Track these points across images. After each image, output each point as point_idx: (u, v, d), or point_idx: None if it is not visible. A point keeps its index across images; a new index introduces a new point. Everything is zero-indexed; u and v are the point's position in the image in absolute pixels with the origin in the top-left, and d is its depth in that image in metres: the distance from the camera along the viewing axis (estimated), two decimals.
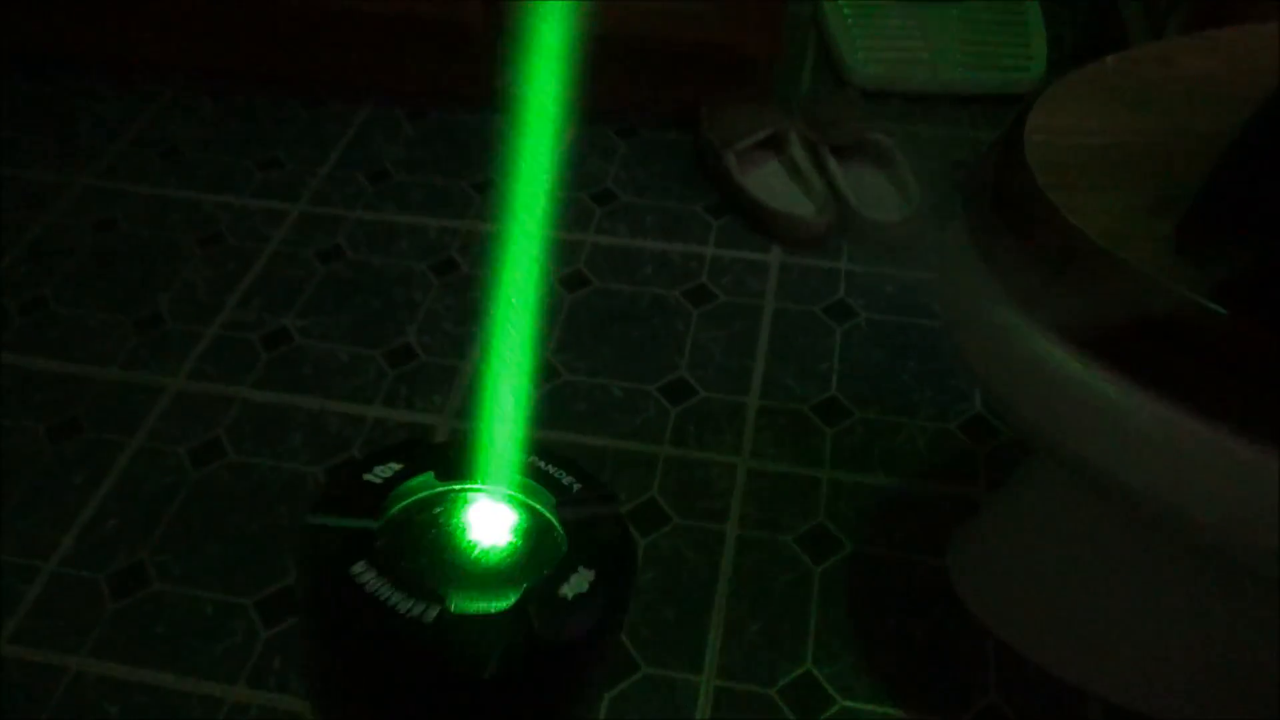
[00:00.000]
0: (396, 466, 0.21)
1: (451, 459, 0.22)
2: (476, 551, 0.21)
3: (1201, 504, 0.56)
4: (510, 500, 0.22)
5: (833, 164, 1.16)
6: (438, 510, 0.21)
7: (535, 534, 0.21)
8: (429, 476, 0.21)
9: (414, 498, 0.21)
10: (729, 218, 1.17)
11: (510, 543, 0.21)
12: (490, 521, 0.21)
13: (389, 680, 0.18)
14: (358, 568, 0.19)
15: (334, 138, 1.28)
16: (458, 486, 0.21)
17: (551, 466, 0.22)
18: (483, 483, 0.21)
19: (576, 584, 0.19)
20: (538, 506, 0.21)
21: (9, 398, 0.96)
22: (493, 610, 0.19)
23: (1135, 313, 0.52)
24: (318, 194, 1.20)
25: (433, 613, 0.18)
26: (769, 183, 1.18)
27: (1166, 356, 0.52)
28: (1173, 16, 1.18)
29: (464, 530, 0.21)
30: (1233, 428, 0.52)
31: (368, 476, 0.21)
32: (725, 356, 1.01)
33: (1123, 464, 0.58)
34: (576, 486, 0.22)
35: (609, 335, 1.03)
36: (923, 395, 0.97)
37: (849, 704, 0.75)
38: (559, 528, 0.21)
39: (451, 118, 1.31)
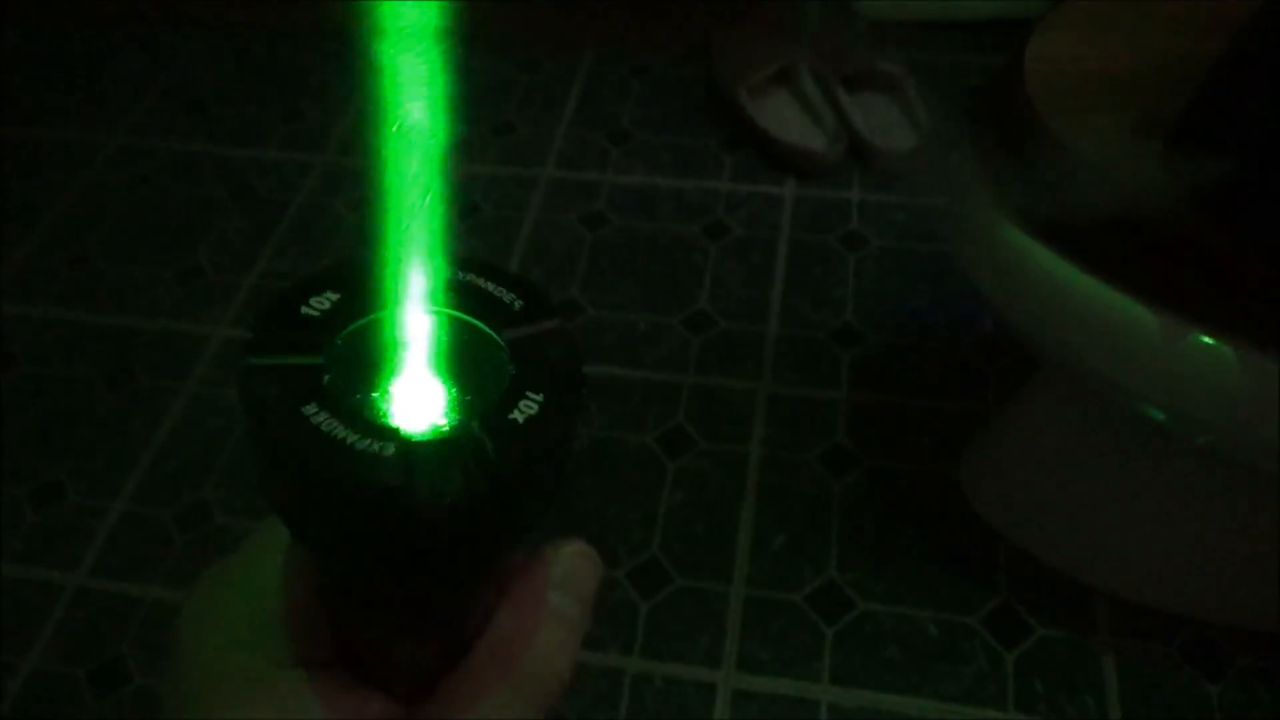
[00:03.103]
0: (334, 296, 0.21)
1: (388, 282, 0.21)
2: (425, 380, 0.21)
3: (1197, 403, 0.60)
4: (454, 323, 0.22)
5: (843, 95, 1.18)
6: (380, 339, 0.21)
7: (483, 358, 0.21)
8: (367, 302, 0.21)
9: (354, 326, 0.21)
10: (743, 152, 1.20)
11: (458, 368, 0.21)
12: (435, 348, 0.21)
13: (349, 518, 0.19)
14: (309, 409, 0.19)
15: (355, 88, 1.31)
16: (398, 312, 0.21)
17: (491, 284, 0.22)
18: (424, 307, 0.21)
19: (526, 408, 0.20)
20: (482, 327, 0.22)
21: (67, 350, 1.02)
22: (447, 440, 0.19)
23: (1128, 226, 0.56)
24: (342, 145, 1.24)
25: (390, 448, 0.19)
26: (781, 116, 1.20)
27: (1159, 266, 0.56)
28: None
29: (410, 359, 0.21)
30: (1224, 332, 0.56)
31: (305, 310, 0.21)
32: (744, 287, 1.05)
33: (1125, 371, 0.61)
34: (519, 304, 0.22)
35: (631, 271, 1.07)
36: (935, 318, 1.01)
37: (870, 606, 0.81)
38: (505, 349, 0.21)
39: (481, 62, 1.34)
